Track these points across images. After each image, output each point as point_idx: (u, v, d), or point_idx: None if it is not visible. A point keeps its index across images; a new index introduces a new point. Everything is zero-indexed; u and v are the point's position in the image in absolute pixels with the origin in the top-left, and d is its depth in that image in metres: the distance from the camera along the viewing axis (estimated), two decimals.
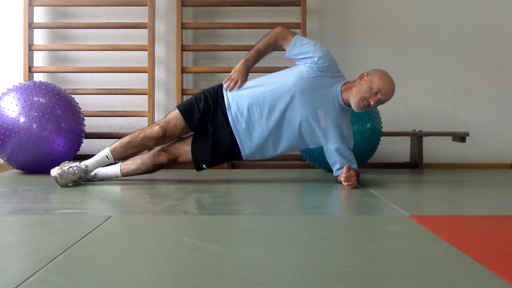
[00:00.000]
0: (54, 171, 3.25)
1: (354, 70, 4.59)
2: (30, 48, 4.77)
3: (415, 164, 4.78)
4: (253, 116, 3.35)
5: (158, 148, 3.54)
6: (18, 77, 4.78)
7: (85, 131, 4.32)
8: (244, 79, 3.45)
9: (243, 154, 3.44)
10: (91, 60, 4.94)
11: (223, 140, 3.41)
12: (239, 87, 3.42)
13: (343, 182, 3.30)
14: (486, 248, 1.80)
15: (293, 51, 3.38)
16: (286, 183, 3.65)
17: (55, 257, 1.62)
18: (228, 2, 4.87)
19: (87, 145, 4.64)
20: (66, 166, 3.29)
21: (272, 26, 4.69)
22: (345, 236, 2.06)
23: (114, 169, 3.52)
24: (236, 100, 3.38)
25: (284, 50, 3.44)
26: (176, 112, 3.44)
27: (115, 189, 3.27)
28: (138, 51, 4.90)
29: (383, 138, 4.47)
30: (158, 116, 4.90)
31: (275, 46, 3.46)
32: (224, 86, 3.45)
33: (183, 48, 4.83)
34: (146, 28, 4.78)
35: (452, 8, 4.99)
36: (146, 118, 4.80)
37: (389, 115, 4.85)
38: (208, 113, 3.41)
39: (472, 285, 1.42)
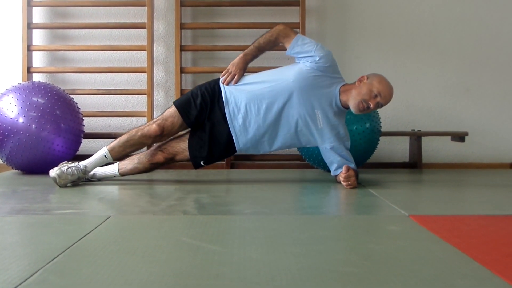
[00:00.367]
0: (53, 172, 3.25)
1: (353, 70, 4.61)
2: (29, 49, 4.77)
3: (414, 164, 4.78)
4: (250, 112, 3.35)
5: (154, 147, 3.53)
6: (17, 78, 4.77)
7: (84, 131, 4.32)
8: (242, 73, 3.45)
9: (237, 147, 3.43)
10: (90, 60, 4.94)
11: (220, 136, 3.41)
12: (236, 81, 3.41)
13: (342, 182, 3.30)
14: (486, 248, 1.80)
15: (294, 50, 3.38)
16: (285, 183, 3.65)
17: (55, 258, 1.62)
18: (227, 2, 4.87)
19: (86, 145, 4.63)
20: (65, 166, 3.29)
21: (271, 26, 4.67)
22: (344, 236, 2.06)
23: (112, 169, 3.52)
24: (234, 96, 3.37)
25: (285, 49, 3.43)
26: (173, 109, 3.43)
27: (114, 189, 3.26)
28: (137, 51, 4.90)
29: (382, 138, 4.47)
30: (157, 116, 4.89)
31: (276, 43, 3.46)
32: (221, 79, 3.45)
33: (182, 48, 4.83)
34: (145, 28, 4.78)
35: (452, 8, 4.99)
36: (145, 118, 4.79)
37: (388, 115, 4.85)
38: (205, 109, 3.40)
39: (471, 285, 1.42)
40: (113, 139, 3.50)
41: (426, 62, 4.99)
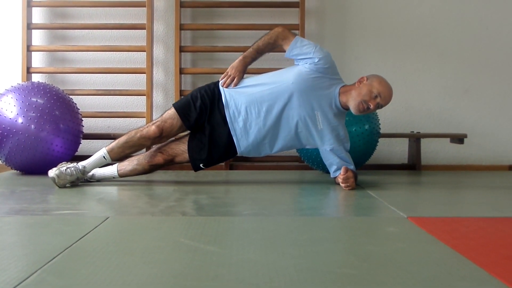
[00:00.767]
0: (52, 172, 3.25)
1: (353, 71, 4.61)
2: (29, 49, 4.77)
3: (413, 165, 4.78)
4: (250, 115, 3.35)
5: (154, 148, 3.53)
6: (16, 78, 4.77)
7: (83, 132, 4.32)
8: (241, 76, 3.45)
9: (238, 150, 3.43)
10: (89, 61, 4.94)
11: (220, 139, 3.41)
12: (236, 84, 3.41)
13: (341, 184, 3.30)
14: (484, 250, 1.80)
15: (293, 52, 3.38)
16: (284, 184, 3.65)
17: (53, 258, 1.62)
18: (227, 3, 4.87)
19: (85, 146, 4.63)
20: (64, 167, 3.29)
21: (270, 27, 4.68)
22: (343, 238, 2.07)
23: (111, 170, 3.52)
24: (234, 99, 3.37)
25: (284, 50, 3.43)
26: (172, 111, 3.43)
27: (113, 190, 3.26)
28: (136, 52, 4.90)
29: (381, 140, 4.47)
30: (156, 116, 4.87)
31: (275, 45, 3.46)
32: (221, 82, 3.45)
33: (182, 49, 4.83)
34: (144, 29, 4.78)
35: (451, 10, 4.99)
36: (144, 119, 4.79)
37: (387, 116, 4.85)
38: (205, 111, 3.41)
39: (469, 287, 1.42)
40: (112, 140, 3.50)
41: (426, 63, 4.99)
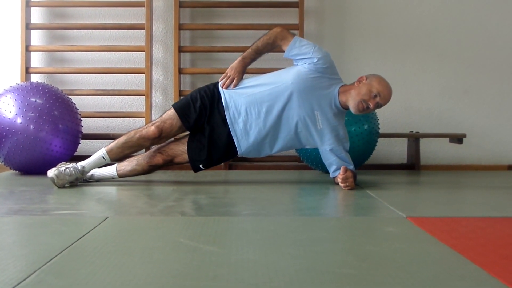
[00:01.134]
0: (51, 172, 3.24)
1: (352, 71, 4.60)
2: (27, 49, 4.77)
3: (412, 165, 4.78)
4: (250, 116, 3.35)
5: (153, 149, 3.53)
6: (15, 78, 4.77)
7: (82, 132, 4.32)
8: (240, 77, 3.45)
9: (239, 151, 3.43)
10: (88, 61, 4.94)
11: (220, 140, 3.41)
12: (235, 85, 3.41)
13: (340, 183, 3.30)
14: (483, 250, 1.80)
15: (292, 52, 3.38)
16: (283, 184, 3.65)
17: (52, 258, 1.62)
18: (226, 3, 4.87)
19: (84, 146, 4.63)
20: (63, 167, 3.29)
21: (269, 27, 4.68)
22: (342, 238, 2.07)
23: (111, 170, 3.51)
24: (234, 100, 3.37)
25: (283, 51, 3.43)
26: (172, 112, 3.43)
27: (112, 190, 3.26)
28: (135, 52, 4.90)
29: (380, 140, 4.47)
30: (155, 117, 4.84)
31: (274, 45, 3.45)
32: (220, 83, 3.45)
33: (181, 49, 4.83)
34: (143, 29, 4.78)
35: (450, 10, 4.99)
36: (143, 119, 4.79)
37: (387, 116, 4.85)
38: (205, 112, 3.41)
39: (469, 286, 1.42)
40: (112, 140, 3.50)
41: (425, 63, 5.00)
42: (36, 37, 4.92)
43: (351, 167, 3.40)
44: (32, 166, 3.97)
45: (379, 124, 4.32)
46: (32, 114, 3.88)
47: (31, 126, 3.86)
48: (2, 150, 3.92)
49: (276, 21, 4.83)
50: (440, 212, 2.65)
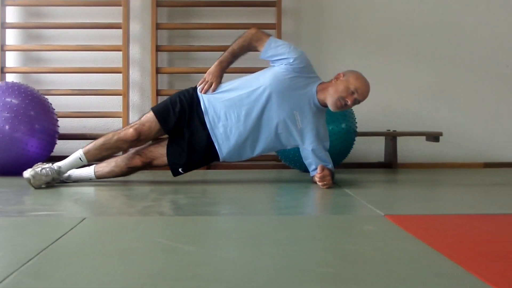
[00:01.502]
0: (27, 173, 3.21)
1: (329, 71, 4.59)
2: (3, 49, 4.72)
3: (390, 163, 4.82)
4: (230, 120, 3.34)
5: (132, 151, 3.51)
6: None
7: (58, 132, 4.28)
8: (219, 81, 3.44)
9: (220, 156, 3.43)
10: (64, 61, 4.90)
11: (199, 145, 3.40)
12: (214, 89, 3.41)
13: (317, 182, 3.31)
14: (460, 247, 1.82)
15: (268, 53, 3.38)
16: (262, 184, 3.65)
17: (30, 260, 1.60)
18: (203, 3, 4.86)
19: (60, 146, 4.58)
20: (39, 167, 3.25)
21: (247, 26, 4.68)
22: (321, 236, 2.07)
23: (88, 171, 3.49)
24: (213, 105, 3.37)
25: (259, 52, 3.44)
26: (150, 115, 3.41)
27: (89, 191, 3.24)
28: (112, 52, 4.87)
29: (358, 138, 4.49)
30: (133, 117, 4.87)
31: (250, 47, 3.46)
32: (199, 88, 3.44)
33: (158, 49, 4.81)
34: (120, 28, 4.76)
35: (427, 10, 5.04)
36: (121, 119, 4.77)
37: (364, 115, 4.87)
38: (184, 116, 3.40)
39: (446, 283, 1.43)
40: (89, 141, 3.47)
41: (401, 63, 5.04)
42: (12, 36, 4.87)
43: (330, 166, 3.41)
44: (8, 167, 3.93)
45: (356, 123, 4.34)
46: (8, 114, 3.84)
47: (7, 126, 3.82)
48: None
49: (253, 20, 4.83)
50: (418, 210, 2.67)
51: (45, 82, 4.90)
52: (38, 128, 3.96)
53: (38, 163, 3.34)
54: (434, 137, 4.76)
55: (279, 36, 4.73)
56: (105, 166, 3.49)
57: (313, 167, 3.44)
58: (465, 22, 5.06)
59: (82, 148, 3.39)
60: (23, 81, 4.76)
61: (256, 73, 3.50)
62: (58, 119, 4.31)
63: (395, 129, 4.92)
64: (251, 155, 3.46)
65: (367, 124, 4.92)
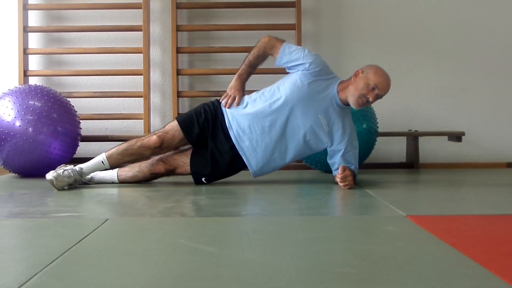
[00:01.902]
0: (50, 175, 3.24)
1: (349, 71, 4.56)
2: (25, 52, 4.77)
3: (411, 164, 4.79)
4: (255, 132, 3.36)
5: (157, 157, 3.53)
6: (13, 81, 4.77)
7: (81, 134, 4.32)
8: (241, 94, 3.46)
9: (251, 171, 3.47)
10: (86, 63, 4.94)
11: (222, 157, 3.43)
12: (238, 103, 3.42)
13: (339, 183, 3.30)
14: (483, 248, 1.81)
15: (283, 60, 3.39)
16: (283, 184, 3.65)
17: (53, 261, 1.62)
18: (223, 4, 4.87)
19: (83, 148, 4.62)
20: (61, 169, 3.28)
21: (267, 27, 4.71)
22: (342, 237, 2.07)
23: (111, 174, 3.51)
24: (236, 118, 3.39)
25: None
26: (175, 124, 3.44)
27: (111, 192, 3.26)
28: (133, 54, 4.90)
29: (379, 139, 4.48)
30: (154, 118, 4.90)
31: (265, 56, 3.48)
32: (222, 103, 3.45)
33: (178, 50, 4.83)
34: (141, 30, 4.78)
35: (447, 8, 5.00)
36: (142, 120, 4.80)
37: (385, 115, 4.85)
38: (207, 128, 3.42)
39: (469, 284, 1.42)
40: (112, 143, 3.49)
41: (422, 62, 5.00)
42: (34, 40, 4.92)
43: (353, 167, 3.39)
44: (32, 169, 3.97)
45: (377, 123, 4.32)
46: (31, 117, 3.88)
47: (30, 129, 3.86)
48: (1, 153, 3.92)
49: (273, 21, 4.83)
50: (440, 211, 2.66)
51: (67, 84, 4.94)
52: (61, 131, 4.00)
53: (61, 165, 3.37)
54: (456, 136, 4.72)
55: (299, 36, 4.73)
56: (128, 171, 3.51)
57: (335, 166, 3.43)
58: (486, 20, 5.01)
59: (105, 152, 3.41)
60: (45, 84, 4.82)
61: (276, 83, 3.50)
62: (80, 121, 4.35)
63: (416, 129, 4.88)
64: (282, 164, 3.49)
65: (388, 124, 4.89)
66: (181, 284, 1.42)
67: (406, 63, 4.98)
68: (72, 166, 3.34)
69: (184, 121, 3.44)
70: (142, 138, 3.42)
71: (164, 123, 4.88)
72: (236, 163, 3.44)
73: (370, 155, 4.36)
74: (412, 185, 3.81)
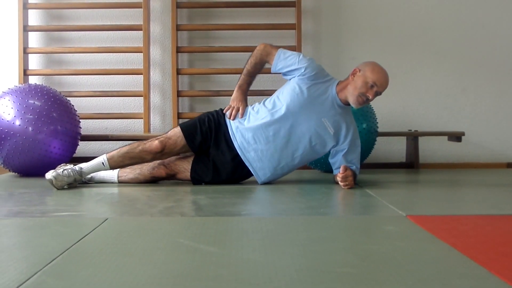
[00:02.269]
0: (49, 174, 3.24)
1: (349, 71, 4.57)
2: (25, 51, 4.77)
3: (411, 164, 4.79)
4: (259, 143, 3.36)
5: (158, 161, 3.53)
6: (13, 80, 4.77)
7: (81, 134, 4.31)
8: (245, 104, 3.49)
9: (258, 180, 3.48)
10: (86, 63, 4.94)
11: (223, 167, 3.44)
12: (242, 114, 3.43)
13: (339, 182, 3.30)
14: (483, 248, 1.81)
15: (278, 66, 3.41)
16: (283, 184, 3.64)
17: (53, 260, 1.62)
18: (223, 4, 4.87)
19: (83, 147, 4.63)
20: (61, 169, 3.28)
21: (267, 27, 4.72)
22: (342, 237, 2.07)
23: (111, 175, 3.52)
24: (240, 130, 3.40)
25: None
26: (178, 130, 3.44)
27: (111, 191, 3.26)
28: (133, 53, 4.90)
29: (379, 138, 4.48)
30: (154, 118, 4.90)
31: (262, 63, 3.50)
32: (227, 115, 3.46)
33: (178, 50, 4.83)
34: (141, 30, 4.78)
35: (447, 8, 5.00)
36: (142, 120, 4.80)
37: (385, 115, 4.85)
38: (210, 137, 3.43)
39: (469, 284, 1.42)
40: (110, 142, 3.49)
41: (422, 62, 5.00)
42: (34, 39, 4.92)
43: (354, 167, 3.39)
44: (31, 168, 3.97)
45: (377, 122, 4.32)
46: (31, 116, 3.88)
47: (30, 128, 3.86)
48: (1, 152, 3.92)
49: (273, 20, 4.83)
50: (440, 211, 2.66)
51: (67, 84, 4.94)
52: (61, 130, 4.00)
53: (61, 165, 3.37)
54: (456, 137, 4.71)
55: (299, 36, 4.72)
56: (129, 173, 3.51)
57: (336, 165, 3.43)
58: (486, 20, 5.00)
59: (106, 154, 3.40)
60: (45, 83, 4.82)
61: (274, 93, 3.51)
62: (80, 120, 4.34)
63: (416, 129, 4.88)
64: (289, 171, 3.52)
65: (388, 124, 4.89)
66: (181, 284, 1.42)
67: (406, 63, 4.98)
68: (72, 165, 3.34)
69: (187, 128, 3.45)
70: (144, 142, 3.42)
71: (164, 122, 4.90)
72: (237, 173, 3.46)
73: (370, 155, 4.36)
74: (412, 185, 3.81)
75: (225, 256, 1.70)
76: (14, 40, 4.82)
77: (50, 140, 3.93)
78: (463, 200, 3.19)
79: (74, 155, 4.26)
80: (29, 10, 4.85)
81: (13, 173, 4.18)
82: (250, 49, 3.53)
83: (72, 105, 4.26)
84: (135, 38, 4.88)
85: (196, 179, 3.47)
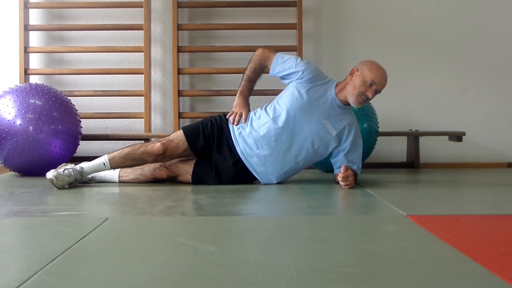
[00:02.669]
0: (50, 174, 3.24)
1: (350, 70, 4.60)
2: (26, 50, 4.76)
3: (412, 163, 4.78)
4: (262, 148, 3.36)
5: (160, 162, 3.52)
6: (14, 79, 4.77)
7: (81, 133, 4.31)
8: (248, 109, 3.51)
9: (262, 183, 3.47)
10: (87, 62, 4.94)
11: (225, 172, 3.45)
12: (245, 119, 3.44)
13: (340, 182, 3.30)
14: (483, 247, 1.81)
15: (276, 69, 3.42)
16: (283, 184, 3.64)
17: (53, 260, 1.62)
18: (224, 3, 4.87)
19: (83, 147, 4.63)
20: (62, 168, 3.28)
21: (268, 27, 4.72)
22: (343, 237, 2.07)
23: (112, 175, 3.52)
24: (242, 136, 3.40)
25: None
26: (180, 133, 3.44)
27: (112, 191, 3.26)
28: (134, 53, 4.90)
29: (379, 138, 4.48)
30: (155, 117, 4.90)
31: (262, 68, 3.51)
32: (230, 121, 3.46)
33: (179, 50, 4.83)
34: (142, 29, 4.78)
35: (448, 8, 4.99)
36: (143, 119, 4.80)
37: (386, 115, 4.85)
38: (212, 142, 3.44)
39: (469, 284, 1.42)
40: (111, 141, 3.49)
41: (423, 62, 5.00)
42: (35, 38, 4.92)
43: (355, 167, 3.39)
44: (32, 168, 3.97)
45: (378, 122, 4.32)
46: (32, 116, 3.88)
47: (31, 127, 3.86)
48: (1, 151, 3.92)
49: (274, 20, 4.83)
50: (440, 210, 2.66)
51: (68, 83, 4.94)
52: (62, 129, 4.00)
53: (62, 164, 3.37)
54: (457, 137, 4.71)
55: (299, 36, 4.72)
56: (130, 173, 3.51)
57: (338, 165, 3.43)
58: (487, 20, 5.00)
59: (107, 154, 3.40)
60: (46, 83, 4.82)
61: (274, 99, 3.52)
62: (81, 120, 4.34)
63: (417, 129, 4.88)
64: (293, 174, 3.53)
65: (389, 123, 4.89)
66: (182, 283, 1.42)
67: (407, 63, 4.98)
68: (72, 165, 3.34)
69: (190, 131, 3.45)
70: (146, 144, 3.42)
71: (165, 122, 4.90)
72: (239, 177, 3.46)
73: (370, 155, 4.36)
74: (413, 185, 3.81)
75: (225, 255, 1.70)
76: (15, 39, 4.82)
77: (51, 140, 3.93)
78: (463, 200, 3.19)
79: (75, 155, 4.26)
80: (30, 9, 4.85)
81: (14, 172, 4.18)
82: (251, 49, 3.53)
83: (73, 105, 4.26)
84: (136, 38, 4.88)
85: (197, 181, 3.47)
